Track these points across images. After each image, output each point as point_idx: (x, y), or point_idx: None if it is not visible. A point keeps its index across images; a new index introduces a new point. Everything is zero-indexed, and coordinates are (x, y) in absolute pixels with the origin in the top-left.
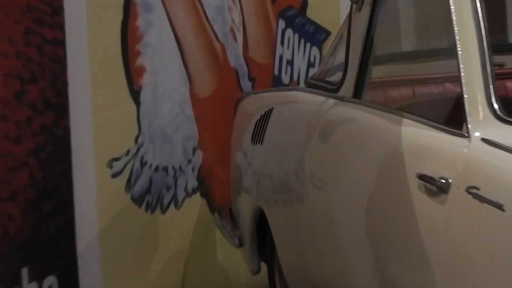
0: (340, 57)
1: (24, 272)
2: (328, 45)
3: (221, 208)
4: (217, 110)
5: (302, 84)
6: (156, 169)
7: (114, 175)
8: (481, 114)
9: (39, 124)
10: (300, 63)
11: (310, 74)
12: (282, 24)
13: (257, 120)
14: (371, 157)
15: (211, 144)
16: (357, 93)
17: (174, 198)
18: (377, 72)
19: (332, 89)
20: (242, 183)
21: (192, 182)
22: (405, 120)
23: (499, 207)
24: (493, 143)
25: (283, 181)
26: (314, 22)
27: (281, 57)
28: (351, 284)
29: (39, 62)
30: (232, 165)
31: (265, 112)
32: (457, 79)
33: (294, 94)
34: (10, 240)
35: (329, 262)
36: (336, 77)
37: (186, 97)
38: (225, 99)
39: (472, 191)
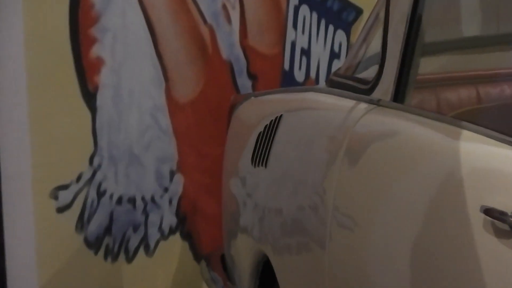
0: (375, 45)
1: None
2: (359, 28)
3: (209, 255)
4: (203, 120)
5: (322, 83)
6: (119, 201)
7: (61, 209)
8: None
9: None
10: (319, 53)
11: (333, 69)
12: None
13: (260, 134)
14: (419, 186)
15: (195, 167)
16: (399, 96)
17: (144, 241)
18: (427, 66)
19: (363, 90)
20: (239, 221)
21: (170, 219)
22: (466, 133)
23: None
24: None
25: (296, 218)
26: None
27: (293, 45)
28: None
29: None
30: (224, 196)
31: (271, 122)
32: None
33: (311, 97)
34: None
35: None
36: (369, 73)
37: (160, 102)
38: (214, 104)
39: None
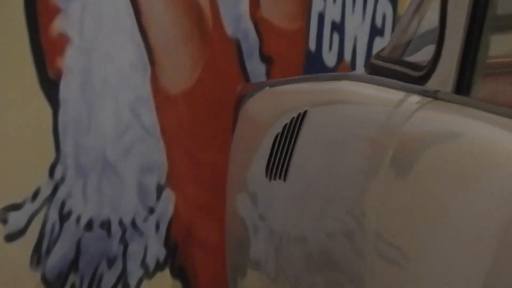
0: (432, 18)
1: None
2: None
3: None
4: (201, 117)
5: (360, 69)
6: (89, 225)
7: (11, 237)
8: None
9: None
10: (356, 28)
11: (374, 50)
12: None
13: (277, 136)
14: (492, 207)
15: (190, 180)
16: (463, 85)
17: (122, 279)
18: (500, 45)
19: (416, 78)
20: (249, 252)
21: (156, 250)
22: None
23: None
24: None
25: (326, 248)
26: None
27: (321, 18)
28: None
29: None
30: (229, 219)
31: (292, 120)
32: None
33: (346, 87)
34: None
35: None
36: (423, 56)
37: (144, 93)
38: (216, 96)
39: None
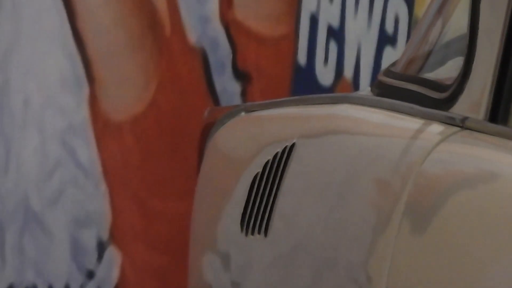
0: (459, 23)
1: None
2: None
3: None
4: (155, 152)
5: (365, 87)
6: None
7: None
8: None
9: None
10: (359, 35)
11: (384, 64)
12: None
13: (256, 176)
14: None
15: (141, 235)
16: (500, 111)
17: None
18: None
19: (437, 101)
20: None
21: None
22: None
23: None
24: None
25: None
26: None
27: (313, 21)
28: None
29: None
30: (193, 287)
31: (276, 156)
32: None
33: (346, 113)
34: None
35: None
36: (447, 71)
37: (79, 119)
38: (174, 124)
39: None
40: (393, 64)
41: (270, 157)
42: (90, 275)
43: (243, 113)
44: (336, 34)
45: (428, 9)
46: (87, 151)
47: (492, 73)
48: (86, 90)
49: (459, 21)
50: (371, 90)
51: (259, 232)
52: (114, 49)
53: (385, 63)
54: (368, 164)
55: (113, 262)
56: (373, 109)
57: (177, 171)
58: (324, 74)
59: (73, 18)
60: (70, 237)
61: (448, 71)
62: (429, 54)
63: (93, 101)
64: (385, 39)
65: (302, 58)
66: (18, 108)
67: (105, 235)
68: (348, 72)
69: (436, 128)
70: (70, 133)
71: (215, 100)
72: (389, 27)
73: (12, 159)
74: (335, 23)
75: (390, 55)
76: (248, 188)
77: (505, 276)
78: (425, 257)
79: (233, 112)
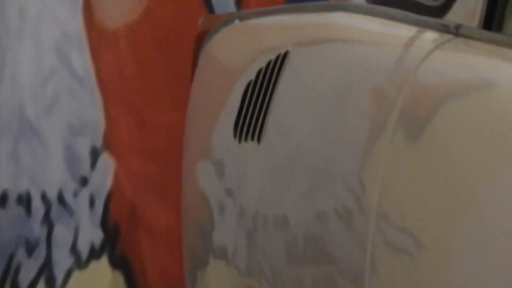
0: None
1: None
2: None
3: None
4: (149, 61)
5: None
6: (2, 201)
7: None
8: None
9: None
10: None
11: None
12: None
13: (250, 84)
14: None
15: (135, 144)
16: (495, 18)
17: (45, 270)
18: None
19: (431, 8)
20: (212, 237)
21: (91, 233)
22: None
23: None
24: None
25: (313, 233)
26: None
27: None
28: None
29: None
30: (186, 194)
31: (269, 63)
32: None
33: (340, 20)
34: None
35: None
36: None
37: (73, 29)
38: (168, 33)
39: None
40: None
41: (263, 65)
42: (84, 181)
43: (237, 21)
44: None
45: None
46: (82, 61)
47: None
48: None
49: None
50: None
51: (252, 139)
52: None
53: None
54: (362, 72)
55: (107, 170)
56: (368, 17)
57: (171, 80)
58: None
59: None
60: (64, 145)
61: None
62: None
63: (87, 10)
64: None
65: None
66: (13, 17)
67: (98, 142)
68: None
69: (430, 36)
70: (65, 42)
71: (210, 8)
72: None
73: (7, 68)
74: None
75: None
76: (242, 96)
77: (499, 185)
78: (418, 165)
79: (227, 20)
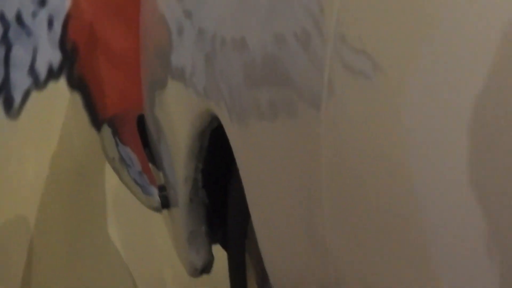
0: None
1: None
2: None
3: (117, 117)
4: None
5: None
6: None
7: None
8: None
9: None
10: None
11: None
12: None
13: None
14: None
15: None
16: None
17: (3, 90)
18: None
19: None
20: (171, 60)
21: (48, 54)
22: None
23: None
24: None
25: (272, 55)
26: None
27: None
28: None
29: None
30: (146, 17)
31: None
32: None
33: None
34: None
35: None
36: None
37: None
38: None
39: None
40: None
41: None
42: (42, 2)
43: None
44: None
45: None
46: None
47: None
48: None
49: None
50: None
51: None
52: None
53: None
54: None
55: None
56: None
57: None
58: None
59: None
60: None
61: None
62: None
63: None
64: None
65: None
66: None
67: None
68: None
69: None
70: None
71: None
72: None
73: None
74: None
75: None
76: None
77: (463, 16)
78: None
79: None
